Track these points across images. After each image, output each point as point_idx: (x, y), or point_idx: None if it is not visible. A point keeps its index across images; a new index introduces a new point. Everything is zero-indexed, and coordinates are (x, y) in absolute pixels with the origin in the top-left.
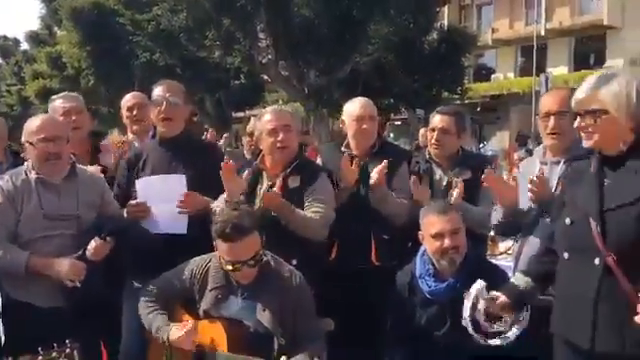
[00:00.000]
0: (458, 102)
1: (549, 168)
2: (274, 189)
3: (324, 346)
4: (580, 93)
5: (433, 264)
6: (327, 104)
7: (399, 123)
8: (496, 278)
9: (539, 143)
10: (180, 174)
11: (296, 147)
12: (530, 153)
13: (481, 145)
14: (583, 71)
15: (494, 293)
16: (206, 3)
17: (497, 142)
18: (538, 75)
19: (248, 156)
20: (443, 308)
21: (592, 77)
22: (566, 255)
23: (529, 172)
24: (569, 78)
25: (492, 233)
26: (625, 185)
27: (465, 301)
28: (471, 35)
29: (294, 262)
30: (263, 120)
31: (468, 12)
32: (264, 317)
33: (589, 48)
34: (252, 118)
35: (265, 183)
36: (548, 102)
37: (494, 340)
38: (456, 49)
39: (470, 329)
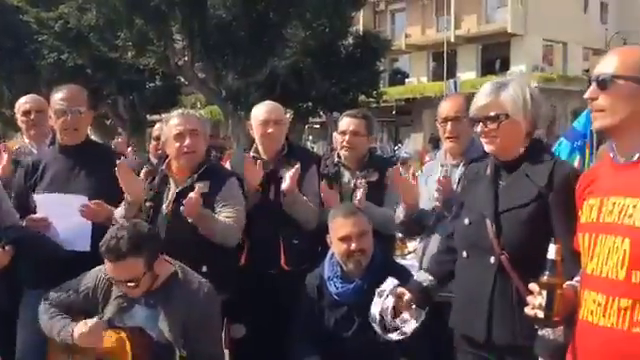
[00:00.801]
0: (374, 105)
1: (449, 170)
2: (191, 196)
3: None
4: (480, 100)
5: (341, 266)
6: (245, 107)
7: (317, 126)
8: (402, 278)
9: None
10: (82, 195)
11: (203, 152)
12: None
13: (396, 147)
14: (490, 76)
15: (401, 290)
16: (117, 1)
17: (412, 144)
18: (449, 80)
19: (154, 160)
20: (351, 309)
21: (488, 84)
22: (465, 254)
23: (431, 174)
24: (477, 83)
25: (398, 233)
26: (518, 188)
27: (376, 297)
28: (385, 40)
29: (204, 269)
30: (170, 124)
31: (382, 18)
32: (165, 327)
33: (495, 54)
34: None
35: (172, 189)
36: (445, 108)
37: (392, 335)
38: (371, 53)
39: (375, 325)
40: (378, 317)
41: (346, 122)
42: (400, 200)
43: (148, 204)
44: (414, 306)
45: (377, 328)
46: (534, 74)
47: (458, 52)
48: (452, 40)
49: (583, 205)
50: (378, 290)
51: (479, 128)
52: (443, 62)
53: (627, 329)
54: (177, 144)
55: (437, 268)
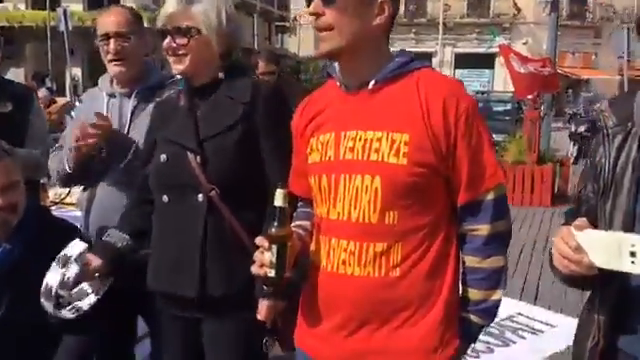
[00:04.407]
0: None
1: (119, 101)
2: None
3: None
4: (169, 7)
5: None
6: None
7: None
8: (65, 232)
9: (57, 83)
10: None
11: None
12: (51, 91)
13: None
14: (98, 10)
15: (90, 257)
16: None
17: (13, 79)
18: (53, 9)
19: None
20: None
21: None
22: (165, 198)
23: (94, 107)
24: (85, 17)
25: (52, 180)
26: (219, 111)
27: (55, 265)
28: None
29: None
30: None
31: None
32: None
33: None
34: None
35: None
36: (105, 23)
37: (65, 311)
38: None
39: (47, 299)
40: (55, 290)
41: None
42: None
43: None
44: (98, 275)
45: (47, 303)
46: (144, 14)
47: None
48: None
49: (311, 142)
50: (60, 256)
51: (166, 43)
52: None
53: (384, 275)
54: None
55: (128, 225)
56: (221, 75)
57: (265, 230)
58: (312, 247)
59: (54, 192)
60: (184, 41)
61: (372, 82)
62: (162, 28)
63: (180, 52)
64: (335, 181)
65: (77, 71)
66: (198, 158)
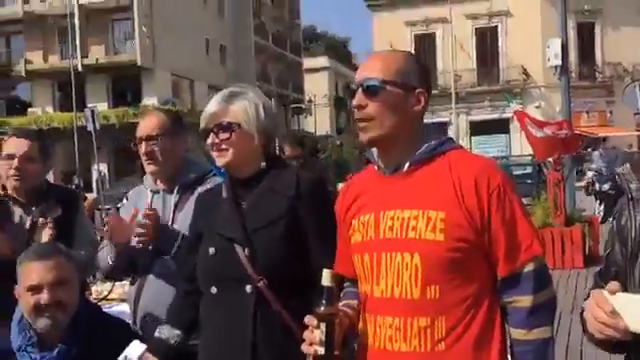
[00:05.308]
0: None
1: (162, 197)
2: None
3: None
4: (211, 107)
5: (36, 330)
6: None
7: None
8: (117, 330)
9: (84, 179)
10: None
11: None
12: (79, 189)
13: None
14: (122, 107)
15: (146, 356)
16: None
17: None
18: (81, 110)
19: None
20: None
21: (222, 92)
22: (214, 289)
23: (140, 204)
24: (109, 114)
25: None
26: (265, 204)
27: None
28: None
29: None
30: None
31: None
32: None
33: (125, 86)
34: None
35: None
36: (139, 128)
37: None
38: None
39: None
40: None
41: (14, 144)
42: (105, 239)
43: None
44: None
45: None
46: (167, 107)
47: (87, 82)
48: (79, 69)
49: (353, 223)
50: (121, 357)
51: (210, 139)
52: (70, 91)
53: (430, 349)
54: None
55: (179, 319)
56: (263, 165)
57: (313, 309)
58: (359, 325)
59: (95, 289)
60: (226, 135)
61: (407, 165)
62: (205, 127)
63: (223, 147)
64: (377, 259)
65: (103, 167)
66: (246, 250)
